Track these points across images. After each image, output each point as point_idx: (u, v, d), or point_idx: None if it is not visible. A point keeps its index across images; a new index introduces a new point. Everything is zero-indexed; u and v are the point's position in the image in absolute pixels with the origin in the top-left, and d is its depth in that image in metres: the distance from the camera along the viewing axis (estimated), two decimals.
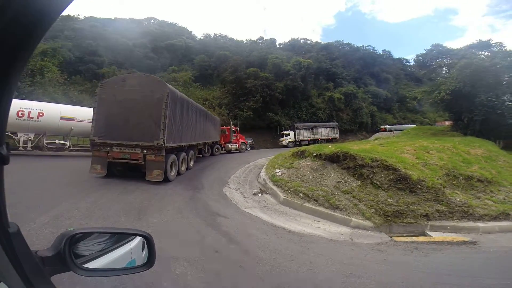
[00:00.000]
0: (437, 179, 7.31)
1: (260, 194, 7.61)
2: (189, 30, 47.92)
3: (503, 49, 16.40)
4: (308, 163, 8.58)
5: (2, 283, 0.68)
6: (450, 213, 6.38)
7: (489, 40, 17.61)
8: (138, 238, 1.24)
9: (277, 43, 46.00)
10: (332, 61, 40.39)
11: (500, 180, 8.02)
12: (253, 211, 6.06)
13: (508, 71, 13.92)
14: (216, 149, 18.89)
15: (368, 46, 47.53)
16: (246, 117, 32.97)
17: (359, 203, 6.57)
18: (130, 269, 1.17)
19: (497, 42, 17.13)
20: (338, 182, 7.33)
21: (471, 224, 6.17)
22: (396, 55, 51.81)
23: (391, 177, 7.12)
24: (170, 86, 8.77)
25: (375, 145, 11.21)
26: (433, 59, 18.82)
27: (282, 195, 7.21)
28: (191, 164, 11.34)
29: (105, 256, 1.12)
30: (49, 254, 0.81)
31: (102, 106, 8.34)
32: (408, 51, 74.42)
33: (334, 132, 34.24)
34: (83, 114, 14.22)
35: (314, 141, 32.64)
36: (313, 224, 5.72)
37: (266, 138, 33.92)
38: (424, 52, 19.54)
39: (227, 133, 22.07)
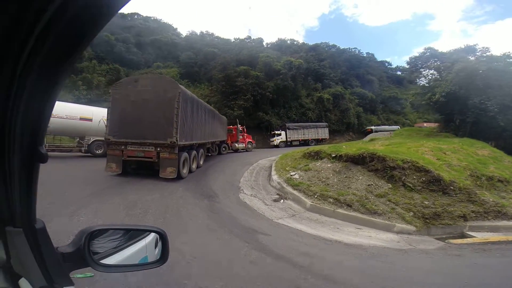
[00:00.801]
0: (465, 179, 7.15)
1: (282, 201, 6.96)
2: (174, 27, 45.96)
3: (488, 53, 17.27)
4: (329, 165, 8.07)
5: (23, 278, 0.70)
6: (485, 213, 6.30)
7: (475, 45, 18.48)
8: (152, 235, 1.25)
9: (264, 43, 45.51)
10: (320, 62, 40.71)
11: None
12: (287, 222, 5.42)
13: (501, 75, 14.59)
14: (223, 148, 18.90)
15: (354, 48, 48.75)
16: (236, 116, 32.03)
17: (396, 206, 6.21)
18: (144, 265, 1.14)
19: (483, 47, 18.04)
20: (369, 185, 6.90)
21: (505, 223, 6.13)
22: (377, 57, 53.20)
23: (424, 178, 6.85)
24: (182, 86, 8.91)
25: (386, 146, 11.00)
26: (425, 62, 19.35)
27: (308, 201, 6.63)
28: (201, 162, 11.50)
29: (120, 252, 1.12)
30: (69, 250, 0.82)
31: (116, 106, 8.48)
32: (387, 54, 78.09)
33: (324, 133, 34.52)
34: (60, 109, 12.61)
35: (305, 142, 32.72)
36: (359, 232, 5.28)
37: (257, 138, 33.25)
38: (417, 55, 20.02)
39: (234, 132, 21.96)
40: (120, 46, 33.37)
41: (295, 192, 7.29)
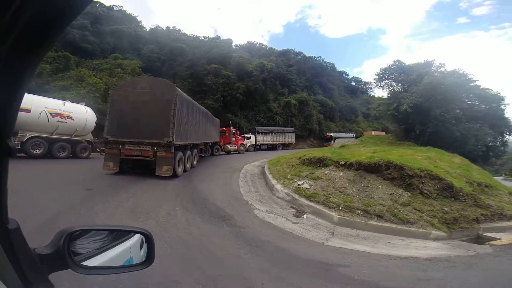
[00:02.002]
0: (466, 186, 7.48)
1: (305, 216, 6.17)
2: (138, 20, 41.24)
3: (443, 69, 19.74)
4: (341, 174, 7.62)
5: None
6: (491, 215, 6.76)
7: (433, 60, 20.92)
8: (137, 236, 1.20)
9: (233, 44, 44.43)
10: (288, 68, 41.63)
11: (494, 184, 8.94)
12: (338, 243, 4.76)
13: (454, 89, 16.74)
14: (216, 150, 19.27)
15: (319, 57, 51.36)
16: None
17: (423, 214, 6.21)
18: (129, 267, 1.12)
19: (440, 63, 20.50)
20: (391, 194, 6.65)
21: (506, 223, 6.61)
22: (336, 68, 57.23)
23: (438, 186, 6.97)
24: (179, 89, 9.22)
25: (375, 153, 11.14)
26: (392, 73, 21.16)
27: (334, 214, 6.07)
28: (195, 162, 11.85)
29: (103, 253, 1.07)
30: (47, 252, 0.78)
31: (115, 107, 8.78)
32: (341, 65, 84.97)
33: (291, 137, 35.18)
34: None
35: (273, 146, 32.80)
36: (403, 243, 5.04)
37: None
38: (386, 66, 21.80)
39: (227, 134, 22.22)
40: (74, 32, 28.40)
41: (312, 204, 6.60)
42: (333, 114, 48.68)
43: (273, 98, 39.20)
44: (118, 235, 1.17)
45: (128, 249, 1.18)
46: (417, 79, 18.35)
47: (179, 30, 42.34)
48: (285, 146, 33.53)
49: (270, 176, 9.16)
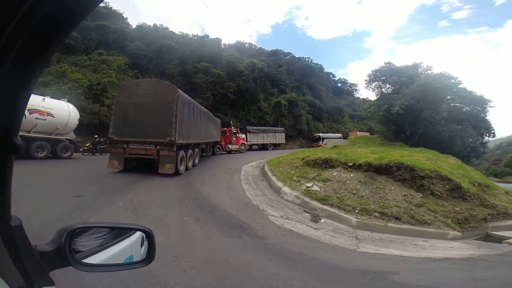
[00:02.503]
0: (472, 186, 7.58)
1: (322, 220, 5.90)
2: (124, 17, 39.27)
3: (430, 71, 20.43)
4: (351, 175, 7.46)
5: (0, 278, 0.67)
6: (497, 214, 6.89)
7: (420, 63, 21.53)
8: (138, 233, 1.21)
9: (222, 44, 43.63)
10: (278, 68, 41.56)
11: (491, 184, 9.20)
12: (369, 248, 4.55)
13: (446, 91, 17.31)
14: (217, 149, 19.72)
15: (307, 57, 51.78)
16: None
17: (437, 215, 6.18)
18: (130, 265, 1.08)
19: (427, 66, 21.16)
20: (404, 195, 6.56)
21: (510, 222, 6.75)
22: (323, 69, 58.09)
23: (447, 187, 7.02)
24: (180, 91, 9.64)
25: (374, 154, 11.14)
26: (383, 75, 21.57)
27: (352, 217, 5.89)
28: (196, 161, 12.21)
29: (104, 251, 1.08)
30: (49, 249, 0.78)
31: (119, 108, 9.13)
32: (327, 67, 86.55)
33: (281, 138, 35.07)
34: None
35: (264, 146, 32.55)
36: (428, 244, 4.98)
37: None
38: (377, 67, 22.22)
39: (228, 134, 22.54)
40: None
41: (326, 207, 6.38)
42: (321, 115, 49.25)
43: (263, 98, 38.97)
44: (119, 233, 1.17)
45: (129, 246, 1.19)
46: (407, 80, 18.84)
47: (166, 28, 41.07)
48: (276, 146, 33.36)
49: (274, 178, 8.83)
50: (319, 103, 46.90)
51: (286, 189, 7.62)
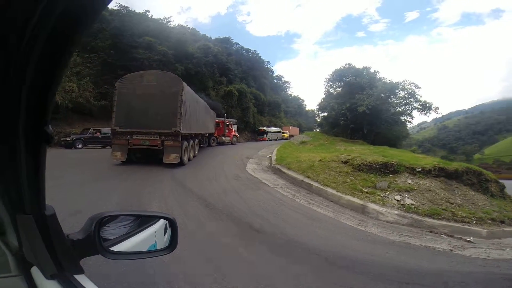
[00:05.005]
0: None
1: (469, 238, 5.06)
2: None
3: (378, 76, 23.27)
4: (433, 182, 6.98)
5: (34, 266, 0.71)
6: None
7: (369, 67, 23.56)
8: (161, 221, 1.23)
9: (170, 24, 36.42)
10: (228, 56, 38.69)
11: None
12: None
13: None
14: (212, 140, 20.38)
15: (255, 50, 50.66)
16: None
17: None
18: (154, 252, 1.11)
19: (375, 70, 23.86)
20: (486, 200, 6.55)
21: None
22: (265, 64, 58.75)
23: (498, 188, 7.46)
24: (184, 82, 9.65)
25: (377, 154, 11.22)
26: (344, 74, 23.08)
27: (481, 229, 5.35)
28: (196, 152, 12.25)
29: (130, 239, 1.09)
30: (79, 237, 0.79)
31: (122, 99, 9.18)
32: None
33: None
34: None
35: None
36: None
37: None
38: (340, 67, 23.54)
39: (221, 126, 22.88)
40: None
41: (444, 222, 5.69)
42: (263, 108, 49.88)
43: (211, 85, 35.60)
44: (143, 221, 1.19)
45: (153, 234, 1.19)
46: (369, 82, 20.94)
47: None
48: None
49: (332, 191, 7.19)
50: (263, 97, 47.15)
51: (374, 206, 6.28)
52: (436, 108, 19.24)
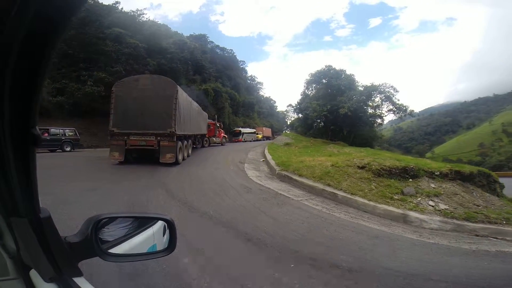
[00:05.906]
0: None
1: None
2: None
3: (353, 77, 24.36)
4: (455, 186, 7.15)
5: (32, 269, 0.70)
6: None
7: (345, 70, 24.50)
8: (159, 223, 1.21)
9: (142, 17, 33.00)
10: (202, 54, 36.86)
11: None
12: None
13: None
14: (205, 141, 21.23)
15: (230, 49, 49.28)
16: (88, 94, 20.93)
17: None
18: (153, 254, 1.11)
19: (350, 73, 25.05)
20: (500, 200, 6.95)
21: None
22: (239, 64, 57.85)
23: (500, 189, 8.05)
24: (178, 86, 10.26)
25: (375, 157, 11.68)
26: (324, 76, 23.64)
27: None
28: (190, 152, 12.60)
29: (128, 241, 1.08)
30: (77, 240, 0.78)
31: (119, 102, 9.52)
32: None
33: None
34: None
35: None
36: None
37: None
38: (319, 69, 24.05)
39: (212, 127, 23.62)
40: None
41: (482, 225, 5.62)
42: (238, 109, 49.03)
43: (185, 83, 33.52)
44: (142, 222, 1.19)
45: (151, 235, 1.19)
46: (348, 84, 21.85)
47: None
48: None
49: (363, 200, 6.76)
50: (238, 97, 46.32)
51: (414, 214, 6.03)
52: (412, 111, 21.00)
